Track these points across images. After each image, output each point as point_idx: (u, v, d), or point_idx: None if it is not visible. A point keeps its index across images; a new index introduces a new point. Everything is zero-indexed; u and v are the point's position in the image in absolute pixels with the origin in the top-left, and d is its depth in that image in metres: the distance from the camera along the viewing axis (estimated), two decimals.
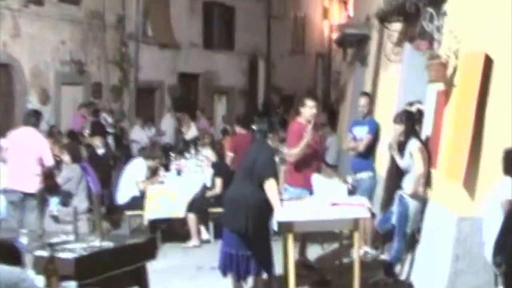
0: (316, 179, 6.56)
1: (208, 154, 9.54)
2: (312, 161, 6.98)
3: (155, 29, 17.51)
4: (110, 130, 13.64)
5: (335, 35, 18.55)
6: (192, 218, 8.55)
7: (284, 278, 6.23)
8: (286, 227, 5.95)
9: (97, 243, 4.53)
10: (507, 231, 4.56)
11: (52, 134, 11.11)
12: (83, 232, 6.24)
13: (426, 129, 6.97)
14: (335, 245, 7.73)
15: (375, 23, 10.27)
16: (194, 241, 8.55)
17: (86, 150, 9.82)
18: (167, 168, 9.78)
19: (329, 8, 24.98)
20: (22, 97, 12.97)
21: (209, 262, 7.13)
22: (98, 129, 12.14)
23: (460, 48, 5.90)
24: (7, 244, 3.32)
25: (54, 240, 4.52)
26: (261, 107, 21.92)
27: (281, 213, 5.85)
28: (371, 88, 10.28)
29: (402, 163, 6.59)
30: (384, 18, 8.95)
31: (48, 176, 7.90)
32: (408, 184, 6.44)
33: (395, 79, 8.95)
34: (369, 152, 7.63)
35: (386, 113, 8.42)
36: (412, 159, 6.40)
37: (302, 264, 6.95)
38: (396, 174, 7.00)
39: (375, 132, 7.68)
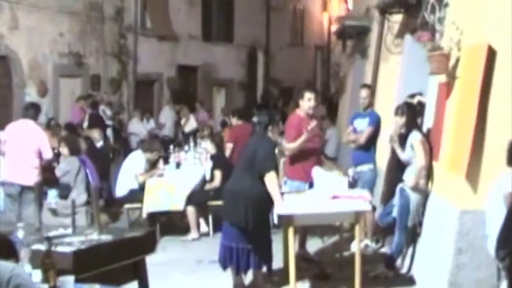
0: (317, 172, 6.51)
1: (207, 146, 9.50)
2: (311, 154, 6.93)
3: (154, 21, 17.44)
4: (108, 122, 13.61)
5: (334, 27, 18.46)
6: (191, 211, 8.51)
7: (284, 271, 6.20)
8: (286, 220, 5.91)
9: (95, 236, 4.48)
10: (510, 225, 4.51)
11: (50, 126, 11.05)
12: (81, 225, 6.20)
13: (427, 121, 6.92)
14: (335, 238, 7.70)
15: (376, 14, 10.21)
16: (193, 234, 8.50)
17: (85, 143, 9.76)
18: (166, 160, 9.73)
19: (329, 0, 24.90)
20: (20, 89, 12.92)
21: (209, 256, 7.09)
22: (96, 122, 12.10)
23: (462, 40, 5.83)
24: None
25: (52, 233, 4.46)
26: (260, 99, 21.89)
27: (281, 206, 5.80)
28: (372, 80, 10.22)
29: (403, 155, 6.54)
30: (385, 9, 8.91)
31: (47, 169, 7.86)
32: (409, 177, 6.39)
33: (395, 71, 8.90)
34: (370, 144, 7.57)
35: (386, 105, 8.37)
36: (414, 152, 6.35)
37: (302, 258, 6.91)
38: (397, 167, 6.97)
39: (376, 124, 7.62)
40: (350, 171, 6.78)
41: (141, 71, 16.89)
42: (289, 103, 18.52)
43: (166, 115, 16.13)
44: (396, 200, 6.51)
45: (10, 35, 12.55)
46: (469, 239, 5.32)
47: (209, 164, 9.12)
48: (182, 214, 8.67)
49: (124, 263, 4.45)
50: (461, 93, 5.72)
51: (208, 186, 8.91)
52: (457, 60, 5.94)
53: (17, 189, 7.50)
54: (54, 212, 7.75)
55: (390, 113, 7.11)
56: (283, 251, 6.43)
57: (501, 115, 5.21)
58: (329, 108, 15.64)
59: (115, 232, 4.75)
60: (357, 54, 12.61)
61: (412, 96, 7.43)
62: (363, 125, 7.65)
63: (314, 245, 7.60)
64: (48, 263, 3.25)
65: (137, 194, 8.51)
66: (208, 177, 9.02)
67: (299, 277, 5.90)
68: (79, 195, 7.81)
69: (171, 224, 9.05)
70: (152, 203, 8.41)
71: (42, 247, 3.74)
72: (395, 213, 6.49)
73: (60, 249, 4.01)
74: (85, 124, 12.04)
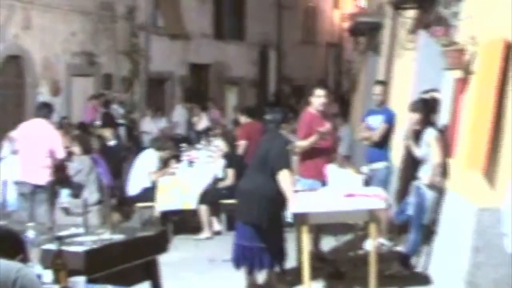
0: (331, 169, 6.45)
1: (219, 144, 9.45)
2: (324, 152, 6.86)
3: (166, 19, 17.42)
4: (121, 121, 13.59)
5: (346, 25, 18.38)
6: (204, 210, 8.46)
7: (298, 270, 6.13)
8: (300, 219, 5.85)
9: (107, 236, 4.44)
10: None
11: (63, 125, 11.05)
12: (93, 224, 6.17)
13: (443, 118, 6.82)
14: (349, 237, 7.62)
15: (388, 10, 10.13)
16: (206, 233, 8.45)
17: (97, 142, 9.74)
18: (178, 159, 9.69)
19: None
20: (33, 89, 12.92)
21: (222, 255, 7.03)
22: (108, 120, 12.08)
23: (478, 35, 5.74)
24: (4, 233, 3.09)
25: (64, 233, 4.43)
26: (272, 97, 21.82)
27: (295, 205, 5.74)
28: (385, 76, 10.14)
29: (418, 152, 6.46)
30: (398, 5, 8.82)
31: (59, 168, 7.84)
32: (425, 174, 6.31)
33: (409, 67, 8.80)
34: (384, 141, 7.49)
35: (401, 102, 8.27)
36: (429, 149, 6.27)
37: (316, 256, 6.84)
38: (412, 164, 6.88)
39: (391, 121, 7.54)
40: (365, 169, 6.70)
41: (153, 70, 16.87)
42: (301, 101, 18.44)
43: (179, 114, 16.09)
44: (411, 198, 6.43)
45: (23, 34, 12.55)
46: (486, 237, 5.22)
47: (222, 162, 9.07)
48: (195, 212, 8.62)
49: (136, 262, 4.42)
50: (478, 88, 5.63)
51: (220, 185, 8.86)
52: (473, 55, 5.84)
53: (30, 188, 7.51)
54: (66, 211, 7.72)
55: (405, 110, 7.03)
56: (297, 250, 6.37)
57: None
58: (341, 105, 15.55)
59: (127, 232, 4.72)
60: (369, 51, 12.52)
61: (427, 92, 7.34)
62: (377, 121, 7.57)
63: (328, 243, 7.53)
64: (59, 264, 3.20)
65: (149, 193, 8.48)
66: (220, 175, 8.98)
67: (313, 276, 5.83)
68: (91, 194, 7.79)
69: (184, 223, 9.00)
70: (164, 202, 8.38)
71: (52, 247, 3.69)
72: (410, 211, 6.41)
73: (71, 248, 3.97)
74: (98, 123, 12.02)
